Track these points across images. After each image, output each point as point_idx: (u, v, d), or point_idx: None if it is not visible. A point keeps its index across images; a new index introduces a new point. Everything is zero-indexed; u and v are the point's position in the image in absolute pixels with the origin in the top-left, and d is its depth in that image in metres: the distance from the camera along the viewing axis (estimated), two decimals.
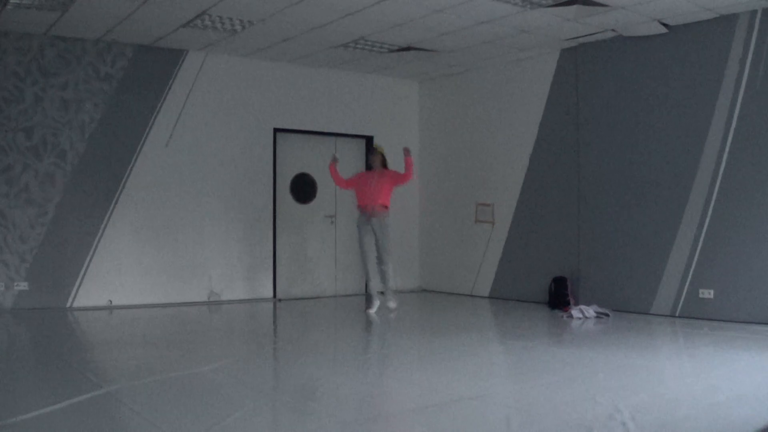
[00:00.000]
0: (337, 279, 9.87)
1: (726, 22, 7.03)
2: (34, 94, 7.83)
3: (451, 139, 10.02)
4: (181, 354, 5.49)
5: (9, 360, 5.37)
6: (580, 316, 7.41)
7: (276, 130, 9.33)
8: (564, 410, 3.82)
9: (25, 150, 7.78)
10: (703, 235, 7.18)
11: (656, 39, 7.56)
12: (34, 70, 7.83)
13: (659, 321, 7.16)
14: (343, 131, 9.82)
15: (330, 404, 4.09)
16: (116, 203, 8.25)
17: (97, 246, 8.13)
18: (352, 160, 10.03)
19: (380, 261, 7.97)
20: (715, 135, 7.11)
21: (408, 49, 8.54)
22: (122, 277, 8.25)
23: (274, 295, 9.23)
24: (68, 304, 7.97)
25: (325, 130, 9.66)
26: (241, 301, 8.89)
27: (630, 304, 7.72)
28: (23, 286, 7.73)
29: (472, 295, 9.55)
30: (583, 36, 7.92)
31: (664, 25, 7.34)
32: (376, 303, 7.99)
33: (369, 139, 10.11)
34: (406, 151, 7.93)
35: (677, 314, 7.34)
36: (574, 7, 6.91)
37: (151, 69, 8.45)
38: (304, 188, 9.63)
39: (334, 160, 8.23)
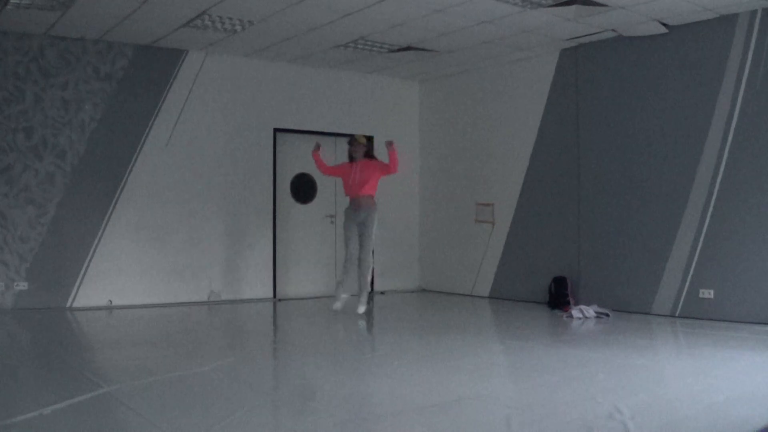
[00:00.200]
0: (336, 278, 9.86)
1: (726, 22, 7.03)
2: (34, 94, 7.83)
3: (451, 139, 10.02)
4: (181, 354, 5.49)
5: (9, 360, 5.37)
6: (580, 316, 7.41)
7: (276, 130, 9.33)
8: (564, 410, 3.82)
9: (25, 150, 7.78)
10: (703, 235, 7.18)
11: (656, 39, 7.55)
12: (34, 70, 7.83)
13: (659, 321, 7.16)
14: (343, 131, 9.81)
15: (330, 404, 4.09)
16: (116, 203, 8.25)
17: (97, 246, 8.13)
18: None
19: (359, 261, 7.61)
20: (715, 135, 7.11)
21: (408, 49, 8.54)
22: (122, 277, 8.25)
23: (274, 295, 9.23)
24: (68, 304, 7.97)
25: (325, 130, 9.66)
26: (241, 301, 8.89)
27: (630, 304, 7.72)
28: (23, 286, 7.73)
29: (472, 295, 9.55)
30: (583, 36, 7.92)
31: (664, 25, 7.34)
32: (342, 298, 7.66)
33: (369, 139, 10.09)
34: (389, 144, 7.62)
35: (677, 314, 7.34)
36: (574, 7, 6.91)
37: (151, 69, 8.45)
38: (304, 188, 9.63)
39: (317, 147, 7.97)
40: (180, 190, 8.62)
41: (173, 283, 8.55)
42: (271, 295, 9.19)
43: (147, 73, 8.43)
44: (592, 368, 4.90)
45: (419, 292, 10.16)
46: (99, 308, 8.02)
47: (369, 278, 7.63)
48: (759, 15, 6.82)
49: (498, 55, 8.79)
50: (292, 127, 9.42)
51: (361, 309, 7.57)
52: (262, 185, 9.17)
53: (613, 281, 7.90)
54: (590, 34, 7.84)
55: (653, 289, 7.53)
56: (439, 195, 10.19)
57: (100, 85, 8.17)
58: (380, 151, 10.17)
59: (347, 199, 7.98)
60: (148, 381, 4.42)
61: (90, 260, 8.09)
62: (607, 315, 7.42)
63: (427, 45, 8.37)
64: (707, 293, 7.14)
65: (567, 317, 7.45)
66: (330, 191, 9.75)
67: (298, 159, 9.53)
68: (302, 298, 9.36)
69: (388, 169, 7.66)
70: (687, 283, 7.29)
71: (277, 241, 9.30)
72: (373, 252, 7.81)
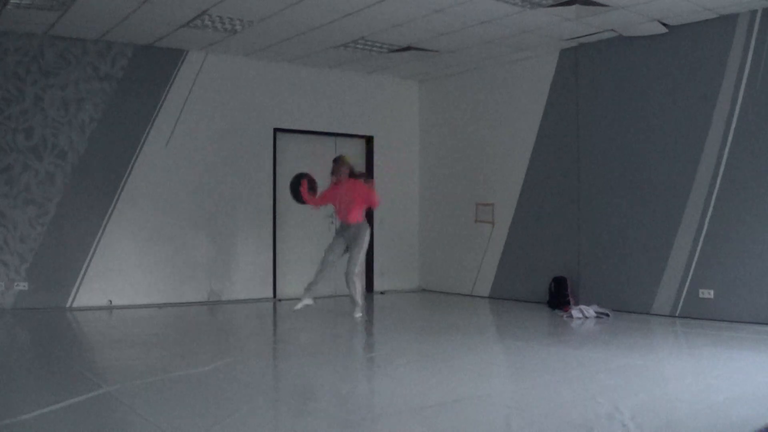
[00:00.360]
0: (336, 279, 9.86)
1: (726, 22, 7.03)
2: (34, 94, 7.82)
3: (451, 139, 10.02)
4: (181, 354, 5.49)
5: (9, 360, 5.37)
6: (580, 316, 7.41)
7: (276, 130, 9.33)
8: (564, 410, 3.82)
9: (25, 150, 7.78)
10: (703, 235, 7.18)
11: (656, 39, 7.55)
12: (34, 70, 7.83)
13: (659, 321, 7.16)
14: (343, 131, 9.82)
15: (330, 404, 4.09)
16: (116, 203, 8.25)
17: (97, 246, 8.14)
18: (352, 159, 10.01)
19: (345, 275, 7.34)
20: (715, 135, 7.11)
21: (408, 49, 8.54)
22: (122, 277, 8.25)
23: (274, 295, 9.23)
24: (68, 304, 7.97)
25: (325, 130, 9.66)
26: (241, 301, 8.89)
27: (630, 304, 7.72)
28: (23, 286, 7.73)
29: (472, 295, 9.55)
30: (583, 36, 7.92)
31: (664, 25, 7.34)
32: (306, 303, 7.36)
33: (369, 139, 10.12)
34: (369, 183, 7.45)
35: (677, 314, 7.34)
36: (574, 7, 6.91)
37: (151, 69, 8.45)
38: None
39: (304, 184, 7.74)
40: (180, 190, 8.62)
41: (173, 283, 8.55)
42: (271, 295, 9.19)
43: (147, 73, 8.43)
44: (592, 368, 4.90)
45: (419, 292, 10.16)
46: (99, 308, 8.02)
47: (359, 289, 7.38)
48: (759, 15, 6.82)
49: (498, 55, 8.79)
50: (292, 127, 9.42)
51: (358, 314, 7.34)
52: (262, 185, 9.17)
53: (613, 281, 7.90)
54: (590, 34, 7.84)
55: (653, 289, 7.53)
56: (439, 195, 10.19)
57: (100, 85, 8.17)
58: (380, 150, 10.19)
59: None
60: (148, 381, 4.42)
61: (90, 260, 8.09)
62: (607, 315, 7.42)
63: (427, 45, 8.37)
64: (707, 293, 7.14)
65: (567, 317, 7.46)
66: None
67: (298, 159, 9.53)
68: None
69: (368, 202, 7.40)
70: (687, 283, 7.29)
71: (277, 241, 9.30)
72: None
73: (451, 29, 7.68)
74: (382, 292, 9.97)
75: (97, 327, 7.10)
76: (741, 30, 6.93)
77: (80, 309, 7.93)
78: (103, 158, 8.18)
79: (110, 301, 8.17)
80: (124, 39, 8.11)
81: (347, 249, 7.38)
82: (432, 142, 10.34)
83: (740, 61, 6.93)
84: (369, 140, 10.12)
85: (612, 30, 7.64)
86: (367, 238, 7.37)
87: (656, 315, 7.45)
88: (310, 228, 9.66)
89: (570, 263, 8.36)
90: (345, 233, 7.38)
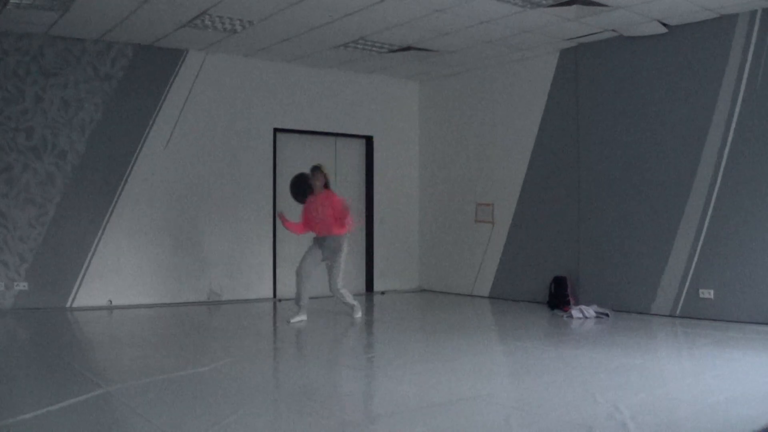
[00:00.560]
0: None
1: (726, 22, 7.03)
2: (34, 94, 7.82)
3: (451, 139, 10.02)
4: (181, 354, 5.50)
5: (9, 360, 5.37)
6: (580, 316, 7.41)
7: (276, 130, 9.33)
8: (564, 410, 3.82)
9: (25, 150, 7.78)
10: (703, 235, 7.18)
11: (656, 39, 7.55)
12: (34, 70, 7.83)
13: (659, 321, 7.16)
14: (343, 131, 9.82)
15: (330, 404, 4.09)
16: (116, 203, 8.25)
17: (97, 246, 8.14)
18: (352, 160, 10.04)
19: (331, 290, 7.35)
20: (715, 135, 7.11)
21: (408, 49, 8.54)
22: (122, 277, 8.25)
23: (274, 295, 9.23)
24: (68, 304, 7.97)
25: (325, 130, 9.66)
26: (241, 301, 8.89)
27: (630, 304, 7.72)
28: (23, 286, 7.73)
29: (472, 295, 9.55)
30: (583, 36, 7.92)
31: (664, 25, 7.34)
32: (301, 316, 7.24)
33: (369, 139, 10.11)
34: (345, 208, 7.16)
35: (677, 314, 7.34)
36: (574, 7, 6.91)
37: (151, 69, 8.45)
38: (304, 188, 9.61)
39: (281, 216, 7.50)
40: (180, 190, 8.62)
41: (173, 283, 8.55)
42: (271, 295, 9.19)
43: (147, 73, 8.43)
44: (592, 368, 4.90)
45: (419, 292, 10.16)
46: (99, 308, 8.02)
47: (348, 294, 7.40)
48: (759, 15, 6.82)
49: (498, 55, 8.79)
50: (292, 127, 9.42)
51: (357, 314, 7.44)
52: (262, 185, 9.17)
53: (613, 281, 7.90)
54: (590, 34, 7.84)
55: (653, 289, 7.53)
56: (439, 195, 10.19)
57: (100, 85, 8.17)
58: (380, 150, 10.19)
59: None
60: (148, 381, 4.42)
61: (90, 260, 8.09)
62: (607, 315, 7.42)
63: (427, 45, 8.37)
64: (707, 293, 7.14)
65: (567, 317, 7.46)
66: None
67: (298, 159, 9.53)
68: None
69: (341, 219, 7.14)
70: (687, 283, 7.29)
71: (277, 241, 9.30)
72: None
73: (451, 29, 7.68)
74: (382, 292, 9.98)
75: (97, 327, 7.10)
76: (741, 30, 6.93)
77: (80, 309, 7.93)
78: (103, 158, 8.18)
79: (110, 301, 8.17)
80: (124, 39, 8.11)
81: (323, 259, 7.30)
82: (432, 142, 10.34)
83: (740, 61, 6.93)
84: (369, 140, 10.12)
85: (612, 30, 7.64)
86: (346, 250, 7.28)
87: (656, 315, 7.45)
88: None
89: (570, 263, 8.36)
90: (323, 245, 7.28)
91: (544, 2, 6.75)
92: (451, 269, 9.96)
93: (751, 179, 6.85)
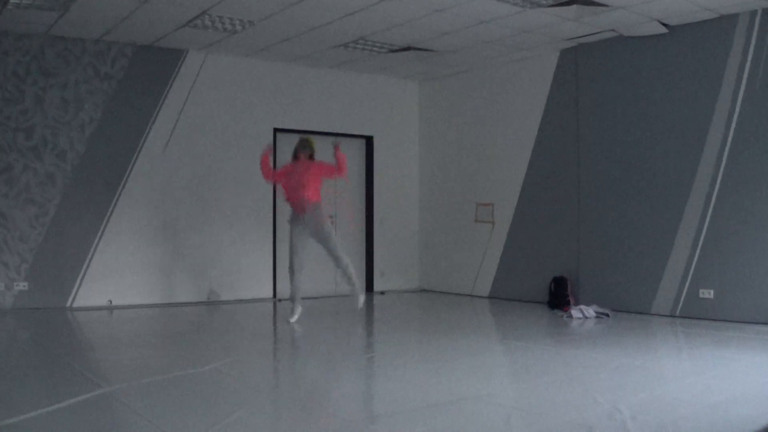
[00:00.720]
0: (337, 279, 9.86)
1: (726, 22, 7.03)
2: (34, 94, 7.82)
3: (451, 139, 10.02)
4: (181, 354, 5.49)
5: (9, 360, 5.37)
6: (580, 316, 7.41)
7: (276, 130, 9.33)
8: (564, 410, 3.82)
9: (25, 150, 7.78)
10: (703, 235, 7.18)
11: (656, 39, 7.55)
12: (34, 70, 7.83)
13: (659, 321, 7.16)
14: (343, 131, 9.81)
15: (330, 404, 4.09)
16: (116, 203, 8.25)
17: (97, 246, 8.13)
18: (352, 159, 10.02)
19: (335, 263, 7.16)
20: (715, 135, 7.11)
21: (408, 49, 8.54)
22: (122, 277, 8.25)
23: (274, 295, 9.23)
24: (68, 304, 7.97)
25: (325, 130, 9.66)
26: (241, 301, 8.89)
27: (630, 304, 7.72)
28: (23, 286, 7.73)
29: (472, 295, 9.55)
30: (583, 36, 7.92)
31: (664, 25, 7.34)
32: (298, 311, 7.17)
33: (369, 139, 10.11)
34: (336, 146, 6.99)
35: (677, 314, 7.34)
36: (574, 7, 6.91)
37: (151, 69, 8.45)
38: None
39: (268, 148, 7.25)
40: (180, 190, 8.62)
41: (173, 283, 8.55)
42: (271, 295, 9.19)
43: (147, 73, 8.43)
44: (592, 368, 4.90)
45: (419, 292, 10.16)
46: (99, 308, 8.02)
47: (354, 272, 7.17)
48: (759, 15, 6.82)
49: (498, 55, 8.79)
50: (292, 127, 9.41)
51: (360, 302, 7.27)
52: (262, 185, 9.16)
53: (613, 281, 7.90)
54: (590, 34, 7.84)
55: (653, 289, 7.53)
56: (439, 195, 10.19)
57: (100, 85, 8.17)
58: (380, 150, 10.19)
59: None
60: (148, 381, 4.42)
61: (90, 260, 8.09)
62: (607, 315, 7.42)
63: (427, 45, 8.37)
64: (707, 293, 7.14)
65: (567, 317, 7.46)
66: (330, 192, 9.73)
67: None
68: (302, 298, 9.32)
69: (333, 171, 7.00)
70: (687, 283, 7.29)
71: (277, 241, 9.30)
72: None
73: (451, 29, 7.68)
74: (382, 292, 9.97)
75: (97, 327, 7.11)
76: (741, 30, 6.93)
77: (80, 309, 7.93)
78: (103, 158, 8.18)
79: (110, 301, 8.17)
80: (124, 39, 8.11)
81: (311, 235, 6.97)
82: (432, 142, 10.34)
83: (740, 61, 6.93)
84: (369, 140, 10.12)
85: (612, 30, 7.64)
86: (329, 221, 6.94)
87: (656, 315, 7.45)
88: None
89: (570, 263, 8.36)
90: (304, 223, 6.93)
91: (544, 2, 6.75)
92: (451, 269, 9.96)
93: (751, 179, 6.85)
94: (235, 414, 3.64)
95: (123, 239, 8.27)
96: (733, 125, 6.98)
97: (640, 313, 7.58)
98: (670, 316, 7.38)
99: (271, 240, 9.22)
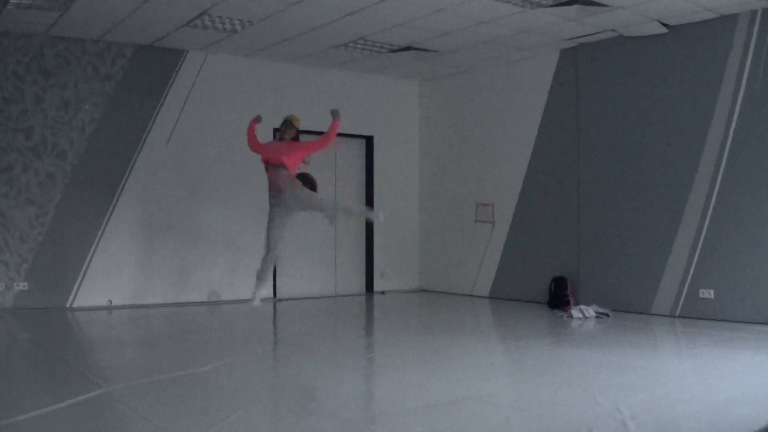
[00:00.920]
0: (337, 279, 9.87)
1: (726, 22, 7.03)
2: (34, 94, 7.82)
3: (451, 139, 10.02)
4: (181, 354, 5.49)
5: (9, 360, 5.37)
6: (580, 316, 7.41)
7: (276, 130, 9.31)
8: (564, 410, 3.82)
9: (25, 150, 7.78)
10: (703, 235, 7.18)
11: (656, 39, 7.55)
12: (34, 70, 7.82)
13: (659, 321, 7.16)
14: (343, 131, 9.78)
15: (330, 404, 4.09)
16: (116, 203, 8.25)
17: (97, 246, 8.13)
18: (352, 159, 10.03)
19: (343, 211, 6.71)
20: (715, 135, 7.11)
21: (408, 49, 8.54)
22: (122, 277, 8.25)
23: (274, 295, 9.22)
24: (68, 304, 7.97)
25: (325, 130, 9.63)
26: (241, 301, 8.88)
27: (630, 304, 7.71)
28: (23, 286, 7.73)
29: (471, 295, 9.55)
30: (583, 36, 7.92)
31: (664, 25, 7.34)
32: (261, 294, 6.59)
33: (369, 139, 10.11)
34: (335, 113, 6.62)
35: (677, 314, 7.34)
36: (574, 7, 6.90)
37: (151, 69, 8.45)
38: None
39: (258, 119, 6.84)
40: (180, 190, 8.62)
41: (173, 283, 8.54)
42: (271, 295, 9.19)
43: (147, 73, 8.43)
44: (592, 368, 4.90)
45: (419, 292, 10.16)
46: (99, 308, 8.02)
47: (353, 203, 6.67)
48: (759, 15, 6.82)
49: (498, 55, 8.79)
50: None
51: (380, 216, 6.49)
52: (262, 185, 9.13)
53: (613, 281, 7.90)
54: (590, 34, 7.84)
55: (653, 289, 7.53)
56: (439, 195, 10.18)
57: (100, 85, 8.17)
58: (380, 150, 10.18)
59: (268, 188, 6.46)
60: (148, 381, 4.42)
61: (90, 260, 8.09)
62: (607, 315, 7.41)
63: (427, 45, 8.37)
64: (707, 293, 7.14)
65: (567, 317, 7.46)
66: (330, 192, 9.73)
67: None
68: (302, 298, 9.35)
69: (318, 145, 6.54)
70: (687, 283, 7.29)
71: None
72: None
73: (451, 29, 7.68)
74: (382, 292, 9.97)
75: (97, 327, 7.11)
76: (741, 30, 6.93)
77: (80, 309, 7.92)
78: (103, 158, 8.18)
79: (110, 301, 8.17)
80: (124, 39, 8.11)
81: (296, 208, 6.38)
82: (432, 142, 10.33)
83: (740, 61, 6.93)
84: (369, 140, 10.11)
85: (612, 30, 7.63)
86: (306, 190, 6.33)
87: (656, 315, 7.45)
88: (310, 228, 9.64)
89: (570, 263, 8.36)
90: (283, 202, 6.34)
91: (544, 2, 6.75)
92: (451, 269, 9.96)
93: (751, 179, 6.85)
94: (235, 414, 3.64)
95: (123, 239, 8.26)
96: (733, 125, 6.98)
97: (640, 313, 7.58)
98: (670, 316, 7.38)
99: None
